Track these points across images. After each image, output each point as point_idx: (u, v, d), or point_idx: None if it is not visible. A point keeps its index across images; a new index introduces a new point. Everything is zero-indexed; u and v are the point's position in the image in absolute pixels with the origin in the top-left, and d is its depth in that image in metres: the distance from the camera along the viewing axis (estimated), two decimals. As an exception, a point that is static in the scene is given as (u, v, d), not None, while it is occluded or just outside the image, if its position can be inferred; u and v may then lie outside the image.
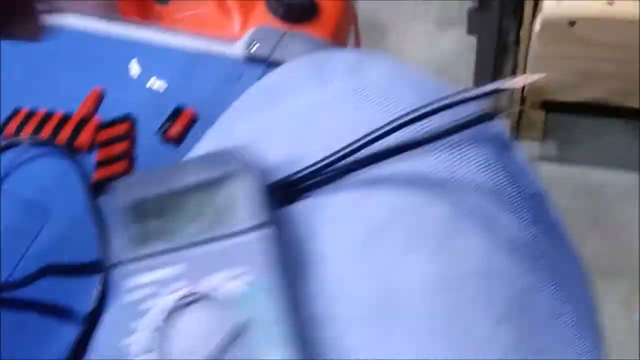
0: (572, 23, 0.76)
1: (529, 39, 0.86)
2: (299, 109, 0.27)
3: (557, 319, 0.27)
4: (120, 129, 0.49)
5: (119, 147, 0.48)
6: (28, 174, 0.49)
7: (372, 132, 0.23)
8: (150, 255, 0.21)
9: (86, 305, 0.43)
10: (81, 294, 0.43)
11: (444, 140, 0.26)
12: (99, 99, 0.53)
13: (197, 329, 0.20)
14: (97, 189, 0.47)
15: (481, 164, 0.26)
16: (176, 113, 0.49)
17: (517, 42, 0.94)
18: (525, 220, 0.27)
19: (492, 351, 0.23)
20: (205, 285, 0.20)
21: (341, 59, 0.29)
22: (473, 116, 0.24)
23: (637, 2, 0.72)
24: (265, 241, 0.21)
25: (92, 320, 0.42)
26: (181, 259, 0.21)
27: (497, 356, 0.23)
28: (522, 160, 0.28)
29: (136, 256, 0.21)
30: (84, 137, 0.50)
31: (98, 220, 0.45)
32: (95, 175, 0.47)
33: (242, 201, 0.22)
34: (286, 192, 0.24)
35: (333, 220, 0.24)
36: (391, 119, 0.26)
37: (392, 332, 0.22)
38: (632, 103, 0.89)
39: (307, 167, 0.24)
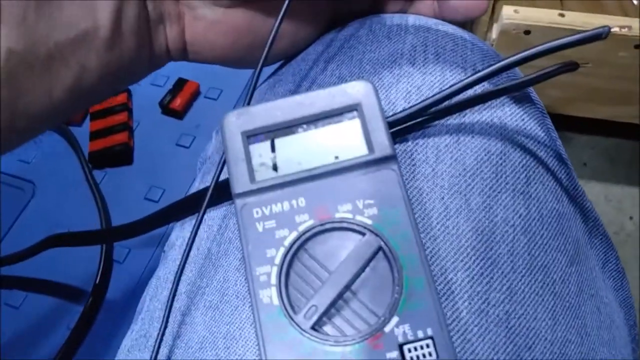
0: (527, 32, 0.80)
1: (482, 46, 0.89)
2: (373, 58, 0.27)
3: (603, 266, 0.29)
4: (116, 99, 0.46)
5: (115, 119, 0.45)
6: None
7: (466, 78, 0.23)
8: (274, 187, 0.20)
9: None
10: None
11: (514, 95, 0.27)
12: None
13: (331, 257, 0.19)
14: (94, 160, 0.44)
15: (539, 120, 0.28)
16: (179, 85, 0.47)
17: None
18: (570, 172, 0.28)
19: (565, 292, 0.24)
20: (335, 215, 0.20)
21: (402, 18, 0.29)
22: (558, 66, 0.25)
23: (586, 14, 0.78)
24: (394, 173, 0.21)
25: (98, 292, 0.39)
26: (309, 190, 0.20)
27: (569, 297, 0.24)
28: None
29: (260, 187, 0.20)
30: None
31: (97, 193, 0.43)
32: (91, 147, 0.45)
33: (368, 133, 0.21)
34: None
35: (426, 162, 0.24)
36: (464, 67, 0.27)
37: (490, 271, 0.22)
38: (574, 112, 0.94)
39: (405, 110, 0.24)
